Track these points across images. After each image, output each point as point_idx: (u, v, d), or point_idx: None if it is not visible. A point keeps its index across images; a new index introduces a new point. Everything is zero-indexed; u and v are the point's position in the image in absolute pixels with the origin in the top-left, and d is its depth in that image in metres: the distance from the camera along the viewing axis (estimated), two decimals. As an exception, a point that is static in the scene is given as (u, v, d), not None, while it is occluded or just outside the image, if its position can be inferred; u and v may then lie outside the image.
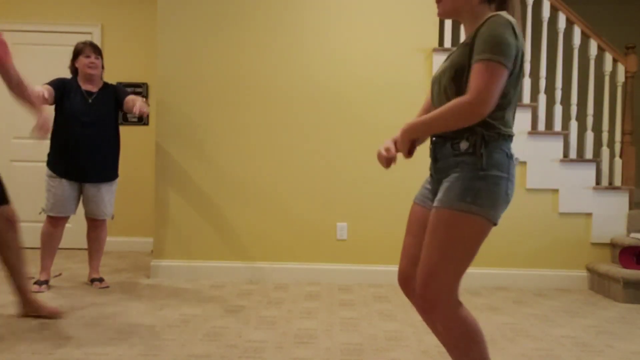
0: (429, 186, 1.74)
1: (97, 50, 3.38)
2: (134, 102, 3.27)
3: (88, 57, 3.33)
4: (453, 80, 1.62)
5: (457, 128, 1.54)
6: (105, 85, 3.47)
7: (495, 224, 1.59)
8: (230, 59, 3.76)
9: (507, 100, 1.60)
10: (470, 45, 1.57)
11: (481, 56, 1.51)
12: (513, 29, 1.53)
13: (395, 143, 1.71)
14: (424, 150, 3.75)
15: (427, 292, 1.57)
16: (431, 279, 1.57)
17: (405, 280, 1.75)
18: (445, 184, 1.60)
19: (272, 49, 3.76)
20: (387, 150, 1.71)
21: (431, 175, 1.73)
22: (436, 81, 1.72)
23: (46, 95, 3.17)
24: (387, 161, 1.72)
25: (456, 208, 1.55)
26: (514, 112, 1.65)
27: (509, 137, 1.62)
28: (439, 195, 1.60)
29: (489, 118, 1.58)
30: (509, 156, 1.60)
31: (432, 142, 1.72)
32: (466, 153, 1.58)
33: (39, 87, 3.20)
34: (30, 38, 4.85)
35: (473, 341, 1.57)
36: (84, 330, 2.51)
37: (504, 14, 1.55)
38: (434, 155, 1.71)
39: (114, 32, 4.88)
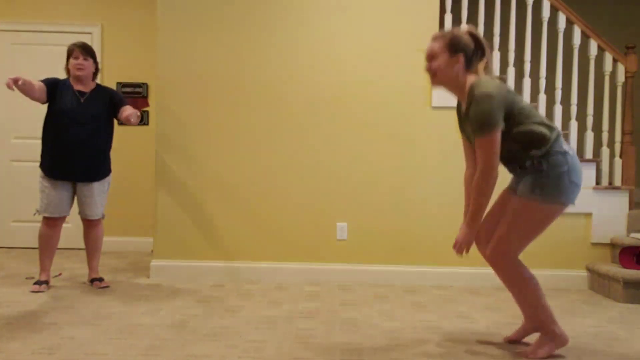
0: (513, 182, 2.40)
1: (86, 52, 3.36)
2: (127, 111, 3.27)
3: (76, 58, 3.33)
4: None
5: (491, 192, 2.14)
6: (100, 87, 3.46)
7: (568, 204, 2.17)
8: (230, 59, 3.76)
9: (523, 118, 2.14)
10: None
11: (477, 135, 2.11)
12: (492, 95, 2.06)
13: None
14: (421, 152, 3.76)
15: (493, 254, 2.25)
16: (498, 245, 2.22)
17: (478, 237, 2.39)
18: (522, 182, 2.22)
19: (271, 48, 3.76)
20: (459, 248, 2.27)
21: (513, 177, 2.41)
22: (464, 129, 2.36)
23: (36, 87, 3.13)
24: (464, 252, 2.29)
25: (527, 197, 2.17)
26: (538, 117, 2.16)
27: (555, 138, 2.15)
28: (519, 188, 2.23)
29: (529, 143, 2.14)
30: (563, 153, 2.14)
31: (506, 167, 2.35)
32: (532, 167, 2.17)
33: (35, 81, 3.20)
34: (30, 38, 4.85)
35: (527, 287, 2.23)
36: (84, 330, 2.51)
37: (483, 83, 2.09)
38: (511, 172, 2.36)
39: (114, 32, 4.88)
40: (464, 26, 2.27)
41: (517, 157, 2.21)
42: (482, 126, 2.07)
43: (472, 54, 2.21)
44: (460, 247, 2.22)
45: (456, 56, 2.19)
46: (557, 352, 2.33)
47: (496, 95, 2.06)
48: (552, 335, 2.26)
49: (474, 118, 2.09)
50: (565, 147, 2.17)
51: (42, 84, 3.25)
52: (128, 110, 3.28)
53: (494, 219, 2.38)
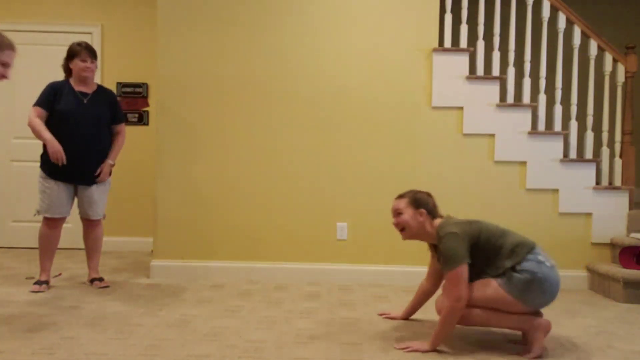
0: None
1: (92, 55, 3.35)
2: (104, 165, 3.41)
3: (84, 61, 3.31)
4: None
5: (456, 320, 2.29)
6: (101, 88, 3.46)
7: (530, 308, 2.29)
8: (231, 58, 3.76)
9: (492, 249, 2.32)
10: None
11: (445, 270, 2.30)
12: (456, 233, 2.29)
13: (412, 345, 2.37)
14: (421, 151, 3.76)
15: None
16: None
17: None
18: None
19: (271, 48, 3.76)
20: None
21: None
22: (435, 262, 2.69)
23: (44, 119, 3.28)
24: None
25: (498, 282, 2.30)
26: (508, 242, 2.33)
27: (528, 250, 2.29)
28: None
29: (500, 266, 2.30)
30: (539, 262, 2.27)
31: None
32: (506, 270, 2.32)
33: (36, 120, 3.23)
34: (30, 38, 4.84)
35: (477, 319, 2.33)
36: (84, 330, 2.51)
37: (447, 225, 2.35)
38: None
39: (114, 32, 4.88)
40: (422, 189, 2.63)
41: (489, 273, 2.36)
42: (449, 260, 2.28)
43: (433, 207, 2.51)
44: (410, 350, 2.34)
45: (419, 210, 2.47)
46: (558, 351, 2.34)
47: (459, 232, 2.31)
48: (531, 331, 2.30)
49: (443, 254, 2.31)
50: (541, 257, 2.30)
51: (42, 111, 3.25)
52: (104, 169, 3.39)
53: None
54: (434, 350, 2.32)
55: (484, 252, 2.33)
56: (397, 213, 2.53)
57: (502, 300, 2.27)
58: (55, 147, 3.17)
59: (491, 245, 2.33)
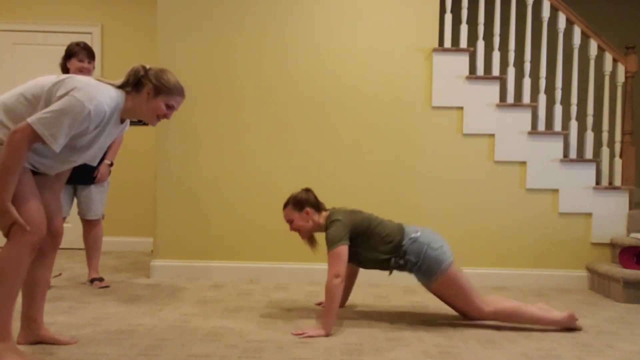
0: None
1: (90, 55, 3.34)
2: (101, 166, 3.41)
3: (81, 61, 3.29)
4: None
5: (337, 297, 2.51)
6: None
7: (449, 263, 2.62)
8: (230, 59, 3.77)
9: (379, 237, 2.66)
10: None
11: (328, 250, 2.56)
12: (339, 220, 2.60)
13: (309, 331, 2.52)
14: (421, 151, 3.76)
15: (482, 316, 2.71)
16: (472, 310, 2.71)
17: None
18: (417, 276, 2.72)
19: (271, 49, 3.77)
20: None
21: None
22: None
23: None
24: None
25: (433, 279, 2.66)
26: (387, 229, 2.69)
27: (402, 236, 2.66)
28: (423, 281, 2.75)
29: (383, 251, 2.67)
30: (414, 240, 2.63)
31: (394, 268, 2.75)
32: (400, 264, 2.70)
33: None
34: (30, 38, 4.85)
35: (520, 315, 2.65)
36: (84, 330, 2.51)
37: (334, 214, 2.66)
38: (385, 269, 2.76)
39: (114, 32, 4.88)
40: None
41: (382, 264, 2.69)
42: (331, 242, 2.55)
43: (315, 201, 2.74)
44: (307, 336, 2.47)
45: (305, 210, 2.71)
46: (558, 351, 2.34)
47: (343, 219, 2.60)
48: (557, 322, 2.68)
49: (327, 237, 2.59)
50: (413, 234, 2.64)
51: None
52: (101, 170, 3.39)
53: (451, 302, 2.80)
54: (328, 335, 2.49)
55: (368, 238, 2.65)
56: (289, 222, 2.75)
57: (449, 281, 2.62)
58: None
59: (373, 232, 2.66)
